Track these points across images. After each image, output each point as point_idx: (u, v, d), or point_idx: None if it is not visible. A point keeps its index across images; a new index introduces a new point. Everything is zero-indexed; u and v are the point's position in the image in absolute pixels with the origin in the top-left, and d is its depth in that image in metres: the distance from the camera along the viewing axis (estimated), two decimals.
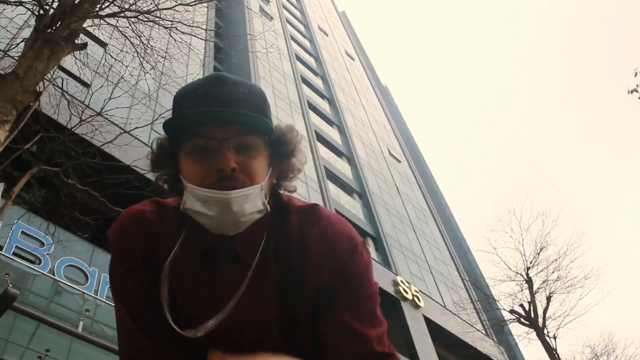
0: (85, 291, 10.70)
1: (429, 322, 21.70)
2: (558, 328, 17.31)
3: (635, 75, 12.21)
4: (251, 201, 1.08)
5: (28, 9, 8.32)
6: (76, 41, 7.71)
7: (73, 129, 8.64)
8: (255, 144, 1.12)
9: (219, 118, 1.08)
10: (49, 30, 7.14)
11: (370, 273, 1.21)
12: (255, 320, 1.16)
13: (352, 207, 24.94)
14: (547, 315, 17.23)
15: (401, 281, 21.63)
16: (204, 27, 10.63)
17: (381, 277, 20.58)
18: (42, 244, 10.60)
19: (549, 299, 17.58)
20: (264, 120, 1.10)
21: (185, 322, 1.12)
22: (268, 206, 1.13)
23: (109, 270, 1.24)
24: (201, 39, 10.32)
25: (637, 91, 12.16)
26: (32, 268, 10.28)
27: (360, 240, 1.22)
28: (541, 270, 18.26)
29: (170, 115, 1.12)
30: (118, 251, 1.20)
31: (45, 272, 10.35)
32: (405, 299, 21.15)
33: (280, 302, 1.16)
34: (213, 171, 1.07)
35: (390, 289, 20.78)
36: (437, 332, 21.80)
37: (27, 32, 8.97)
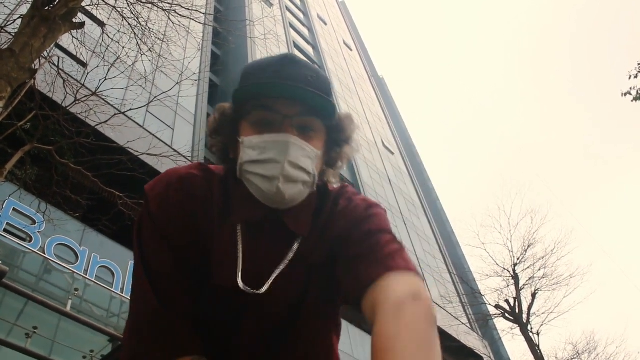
0: (75, 270, 10.69)
1: None
2: (542, 325, 17.48)
3: (629, 77, 12.31)
4: (305, 158, 1.11)
5: None
6: (74, 20, 7.65)
7: (68, 108, 8.60)
8: (315, 126, 1.15)
9: (287, 93, 1.10)
10: (46, 8, 7.08)
11: (388, 225, 1.19)
12: (287, 295, 1.17)
13: None
14: (532, 311, 17.39)
15: None
16: (203, 11, 10.58)
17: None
18: (34, 222, 10.58)
19: (534, 295, 17.73)
20: (329, 101, 1.12)
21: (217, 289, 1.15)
22: (316, 178, 1.16)
23: (138, 229, 1.18)
24: (200, 22, 10.27)
25: (630, 94, 12.26)
26: (22, 245, 10.26)
27: (379, 204, 1.26)
28: (528, 267, 18.42)
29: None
30: (158, 218, 1.16)
31: (35, 250, 10.33)
32: None
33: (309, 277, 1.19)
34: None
35: None
36: None
37: (24, 9, 8.89)
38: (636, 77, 12.30)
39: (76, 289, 10.40)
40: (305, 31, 40.24)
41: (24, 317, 8.94)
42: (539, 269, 18.36)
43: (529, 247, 18.72)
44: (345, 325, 18.13)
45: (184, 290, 1.13)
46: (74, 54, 9.75)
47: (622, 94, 12.36)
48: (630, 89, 12.27)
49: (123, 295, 11.02)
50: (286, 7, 38.99)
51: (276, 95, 1.11)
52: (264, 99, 1.12)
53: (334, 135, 1.22)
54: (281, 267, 1.14)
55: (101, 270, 11.36)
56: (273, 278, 1.14)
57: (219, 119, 1.22)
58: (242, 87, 1.16)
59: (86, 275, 10.87)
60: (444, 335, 22.97)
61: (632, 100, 12.22)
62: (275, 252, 1.16)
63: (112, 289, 11.09)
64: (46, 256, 10.42)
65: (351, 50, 50.69)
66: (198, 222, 1.17)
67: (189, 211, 1.17)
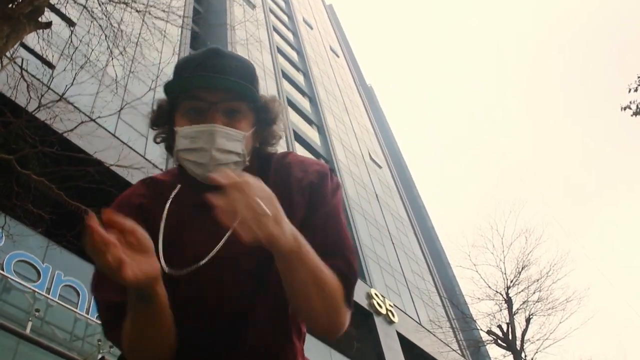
0: (36, 289, 10.48)
1: (403, 339, 21.73)
2: (536, 352, 17.52)
3: (629, 91, 12.45)
4: (232, 142, 1.30)
5: None
6: (40, 19, 7.55)
7: (33, 113, 8.45)
8: (241, 108, 1.34)
9: (210, 83, 1.30)
10: (10, 6, 6.98)
11: (340, 196, 1.44)
12: (238, 261, 1.31)
13: None
14: (526, 337, 17.42)
15: (375, 294, 21.64)
16: (180, 13, 10.50)
17: (354, 289, 20.57)
18: None
19: (528, 320, 17.76)
20: (249, 87, 1.33)
21: (169, 266, 1.26)
22: (247, 157, 1.33)
23: None
24: (176, 25, 10.20)
25: (630, 108, 12.40)
26: None
27: (329, 167, 1.47)
28: (522, 290, 18.47)
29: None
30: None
31: None
32: (379, 314, 21.17)
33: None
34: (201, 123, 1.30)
35: (363, 302, 20.77)
36: (410, 350, 21.86)
37: None
38: (636, 90, 12.43)
39: (37, 310, 10.18)
40: (289, 35, 40.37)
41: None
42: (534, 292, 18.43)
43: (523, 268, 18.79)
44: (327, 350, 18.00)
45: None
46: (40, 54, 9.62)
47: (622, 108, 12.49)
48: (630, 102, 12.41)
49: (89, 316, 10.81)
50: (270, 10, 39.13)
51: (201, 86, 1.30)
52: (192, 90, 1.31)
53: (261, 115, 1.41)
54: (225, 237, 1.26)
55: (65, 290, 11.15)
56: (208, 258, 1.26)
57: (157, 112, 1.42)
58: (171, 81, 1.35)
59: (49, 294, 10.65)
60: None
61: (632, 115, 12.35)
62: (213, 232, 1.27)
63: (77, 310, 10.87)
64: (5, 274, 10.20)
65: (338, 56, 50.93)
66: (150, 221, 1.33)
67: (139, 217, 1.27)
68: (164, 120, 1.41)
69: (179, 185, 1.39)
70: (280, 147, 1.49)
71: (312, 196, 1.37)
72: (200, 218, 1.31)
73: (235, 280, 1.32)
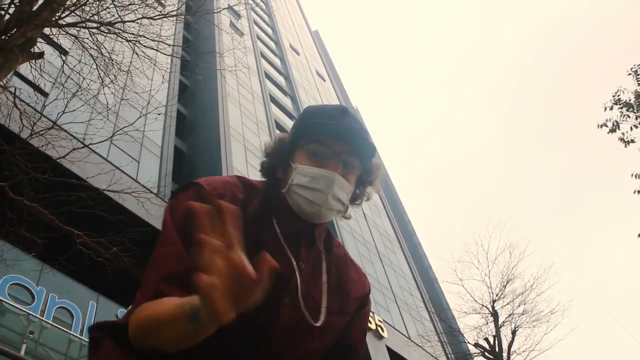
0: (31, 312, 10.37)
1: (392, 354, 21.62)
2: None
3: (605, 110, 12.61)
4: (343, 193, 1.39)
5: None
6: (32, 49, 7.57)
7: (27, 140, 8.42)
8: (356, 165, 1.44)
9: (342, 134, 1.39)
10: (3, 37, 6.99)
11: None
12: (317, 299, 1.38)
13: None
14: (512, 349, 17.39)
15: None
16: (170, 41, 10.54)
17: None
18: None
19: (514, 333, 17.74)
20: (372, 147, 1.43)
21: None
22: (348, 207, 1.45)
23: (172, 208, 1.31)
24: (166, 54, 10.23)
25: (606, 125, 12.55)
26: None
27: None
28: (507, 304, 18.47)
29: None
30: (214, 188, 1.33)
31: None
32: (369, 329, 21.07)
33: (328, 293, 1.42)
34: (324, 167, 1.38)
35: None
36: None
37: None
38: (611, 109, 12.60)
39: (31, 332, 10.08)
40: (277, 61, 40.58)
41: None
42: (519, 305, 18.44)
43: (507, 282, 18.81)
44: None
45: None
46: (33, 82, 9.61)
47: (599, 126, 12.64)
48: (607, 120, 12.56)
49: (82, 337, 10.69)
50: (257, 37, 39.35)
51: (332, 135, 1.39)
52: (321, 136, 1.40)
53: (364, 175, 1.50)
54: (325, 289, 1.41)
55: (59, 312, 11.03)
56: (325, 305, 1.39)
57: (277, 145, 1.49)
58: (305, 123, 1.45)
59: (43, 316, 10.53)
60: None
61: (608, 132, 12.50)
62: (315, 271, 1.42)
63: (71, 332, 10.76)
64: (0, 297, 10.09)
65: (324, 80, 51.22)
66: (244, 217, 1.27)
67: (239, 199, 1.35)
68: (282, 154, 1.47)
69: (275, 219, 1.40)
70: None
71: (360, 307, 1.52)
72: (290, 248, 1.37)
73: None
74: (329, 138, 1.39)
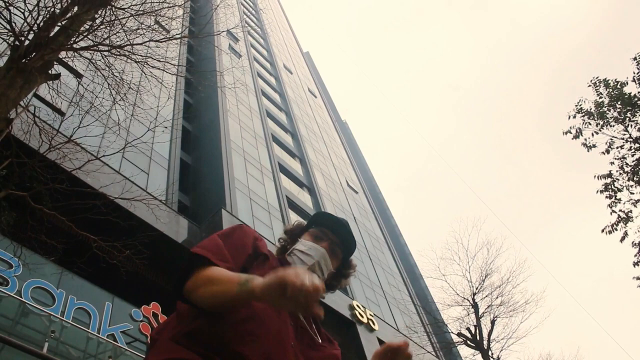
0: (52, 313, 10.31)
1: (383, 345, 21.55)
2: (501, 350, 17.50)
3: (569, 118, 12.73)
4: (325, 267, 1.81)
5: (4, 39, 8.16)
6: (50, 71, 7.59)
7: (45, 154, 8.42)
8: (339, 255, 1.89)
9: (339, 231, 1.90)
10: (23, 60, 7.02)
11: None
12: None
13: None
14: (492, 337, 17.42)
15: (357, 305, 21.54)
16: (175, 62, 10.59)
17: (338, 301, 20.47)
18: (11, 266, 10.20)
19: (493, 322, 17.78)
20: (354, 244, 1.93)
21: None
22: (325, 281, 1.84)
23: (230, 232, 1.74)
24: (171, 73, 10.27)
25: (570, 132, 12.66)
26: None
27: None
28: (486, 296, 18.51)
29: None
30: (244, 234, 1.76)
31: (12, 294, 9.94)
32: (361, 323, 21.04)
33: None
34: (319, 245, 1.84)
35: (346, 313, 20.66)
36: None
37: (1, 62, 8.76)
38: (574, 117, 12.72)
39: (53, 331, 10.01)
40: (272, 80, 40.66)
41: None
42: (497, 297, 18.49)
43: (486, 276, 18.86)
44: None
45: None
46: (51, 102, 9.62)
47: (564, 133, 12.74)
48: (570, 128, 12.67)
49: (100, 335, 10.65)
50: (254, 58, 39.44)
51: (330, 227, 1.89)
52: (325, 229, 1.89)
53: (343, 269, 1.93)
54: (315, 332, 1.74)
55: (78, 312, 10.97)
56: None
57: (294, 228, 1.97)
58: (317, 219, 1.94)
59: (63, 317, 10.48)
60: None
61: (572, 138, 12.60)
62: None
63: (89, 330, 10.70)
64: (23, 299, 10.03)
65: (315, 97, 51.34)
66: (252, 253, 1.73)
67: (252, 250, 1.74)
68: (294, 232, 1.94)
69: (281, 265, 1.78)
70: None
71: None
72: None
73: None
74: (327, 230, 1.88)
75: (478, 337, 17.30)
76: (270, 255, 1.81)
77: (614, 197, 11.98)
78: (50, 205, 8.42)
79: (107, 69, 9.07)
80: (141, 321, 11.96)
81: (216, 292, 1.37)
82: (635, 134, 12.10)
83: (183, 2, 10.43)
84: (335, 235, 1.88)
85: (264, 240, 1.86)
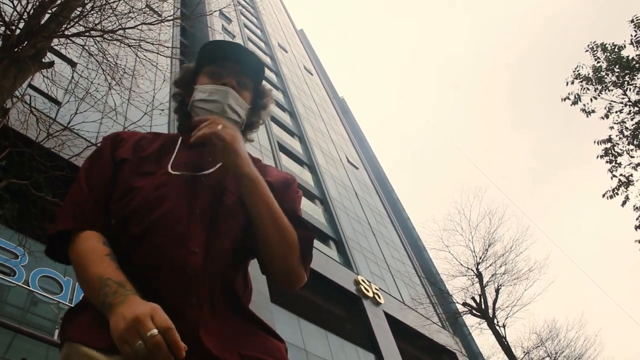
0: (60, 300, 10.41)
1: (389, 318, 21.80)
2: (507, 317, 17.66)
3: (567, 84, 12.66)
4: (238, 106, 1.48)
5: None
6: (43, 60, 7.53)
7: (42, 143, 8.41)
8: (248, 85, 1.55)
9: (235, 55, 1.53)
10: (15, 50, 6.96)
11: (301, 198, 1.63)
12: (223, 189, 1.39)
13: (314, 212, 24.96)
14: (497, 306, 17.57)
15: (362, 280, 21.69)
16: (168, 44, 10.51)
17: (343, 277, 20.61)
18: (16, 256, 10.26)
19: (497, 291, 17.92)
20: (260, 65, 1.55)
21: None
22: (244, 123, 1.53)
23: (91, 157, 1.48)
24: (165, 56, 10.19)
25: (569, 98, 12.60)
26: (6, 280, 9.94)
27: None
28: (490, 265, 18.63)
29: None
30: (112, 142, 1.47)
31: (20, 284, 10.02)
32: (367, 297, 21.22)
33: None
34: (219, 83, 1.48)
35: (352, 288, 20.82)
36: (397, 327, 21.92)
37: None
38: (572, 83, 12.64)
39: (62, 318, 10.11)
40: (267, 59, 40.37)
41: (13, 350, 8.67)
42: (500, 266, 18.60)
43: (489, 246, 18.96)
44: (323, 332, 18.00)
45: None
46: (46, 92, 9.57)
47: (562, 99, 12.68)
48: (569, 94, 12.60)
49: None
50: (248, 38, 39.10)
51: (226, 56, 1.52)
52: (217, 59, 1.53)
53: (258, 99, 1.61)
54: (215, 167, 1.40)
55: None
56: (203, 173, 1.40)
57: (183, 74, 1.61)
58: (205, 54, 1.55)
59: (71, 304, 10.57)
60: (417, 336, 23.01)
61: (571, 105, 12.55)
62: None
63: None
64: (31, 289, 10.12)
65: (312, 74, 51.01)
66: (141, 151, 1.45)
67: (133, 146, 1.46)
68: (187, 79, 1.59)
69: (180, 137, 1.51)
70: (267, 158, 1.70)
71: (285, 187, 1.54)
72: (196, 153, 1.43)
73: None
74: (224, 60, 1.52)
75: (483, 306, 17.45)
76: (148, 145, 1.48)
77: (614, 162, 11.99)
78: (51, 192, 8.43)
79: (101, 54, 9.01)
80: None
81: (82, 283, 1.24)
82: (634, 97, 12.05)
83: None
84: (235, 64, 1.52)
85: (138, 134, 1.54)
